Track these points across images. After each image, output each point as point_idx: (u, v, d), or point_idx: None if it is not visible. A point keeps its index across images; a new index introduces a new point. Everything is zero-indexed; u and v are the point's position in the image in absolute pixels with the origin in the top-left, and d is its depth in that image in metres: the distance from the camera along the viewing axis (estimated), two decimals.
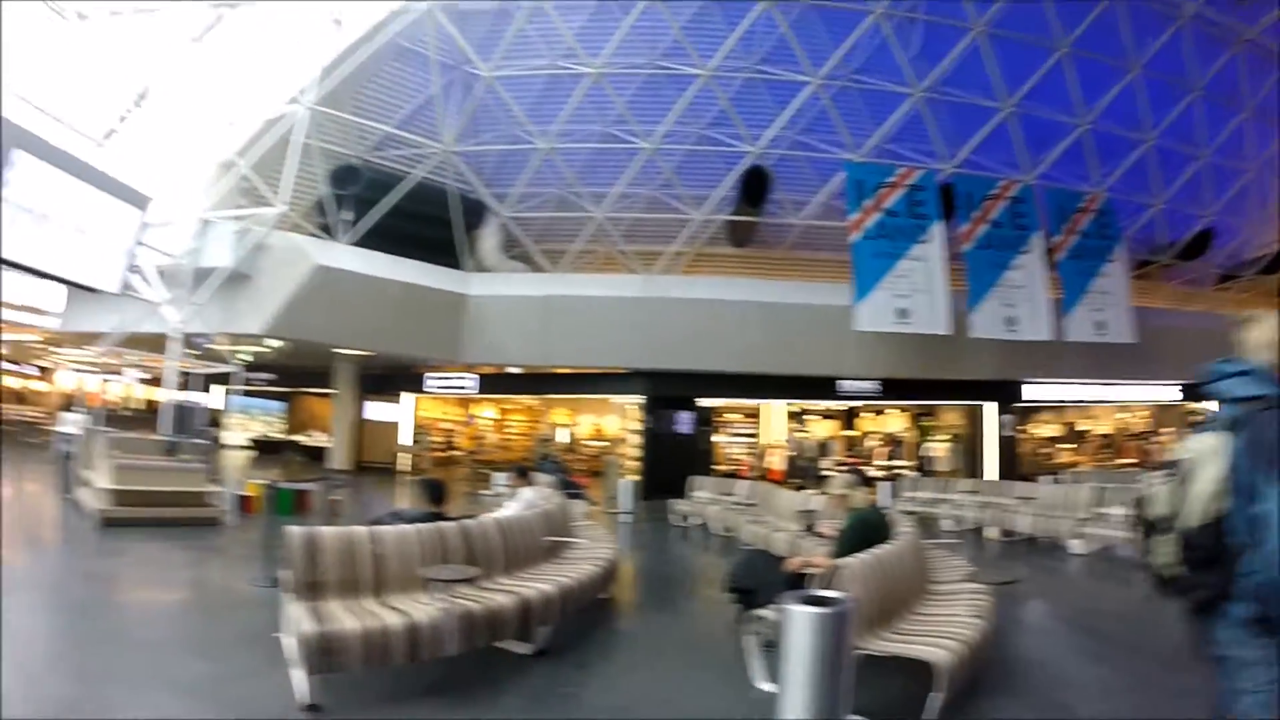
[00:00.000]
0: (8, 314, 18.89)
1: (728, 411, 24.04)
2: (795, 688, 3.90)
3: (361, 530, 5.77)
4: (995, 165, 19.77)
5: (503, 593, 5.77)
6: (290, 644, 5.00)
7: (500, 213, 21.31)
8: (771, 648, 5.07)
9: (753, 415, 24.41)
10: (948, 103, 19.12)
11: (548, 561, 7.13)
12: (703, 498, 15.69)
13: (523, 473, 9.54)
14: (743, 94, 19.24)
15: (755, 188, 19.98)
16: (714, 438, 23.22)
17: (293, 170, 16.94)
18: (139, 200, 14.44)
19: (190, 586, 8.68)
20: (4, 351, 30.13)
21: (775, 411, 24.32)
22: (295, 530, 5.42)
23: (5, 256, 12.10)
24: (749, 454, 23.86)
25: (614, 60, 18.82)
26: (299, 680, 4.73)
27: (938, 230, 18.69)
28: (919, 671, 4.74)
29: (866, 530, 6.21)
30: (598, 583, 7.09)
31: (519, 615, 5.63)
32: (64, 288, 16.80)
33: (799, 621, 3.90)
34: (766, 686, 5.16)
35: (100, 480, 11.81)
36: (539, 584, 6.13)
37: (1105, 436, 25.19)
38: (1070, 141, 19.83)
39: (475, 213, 21.10)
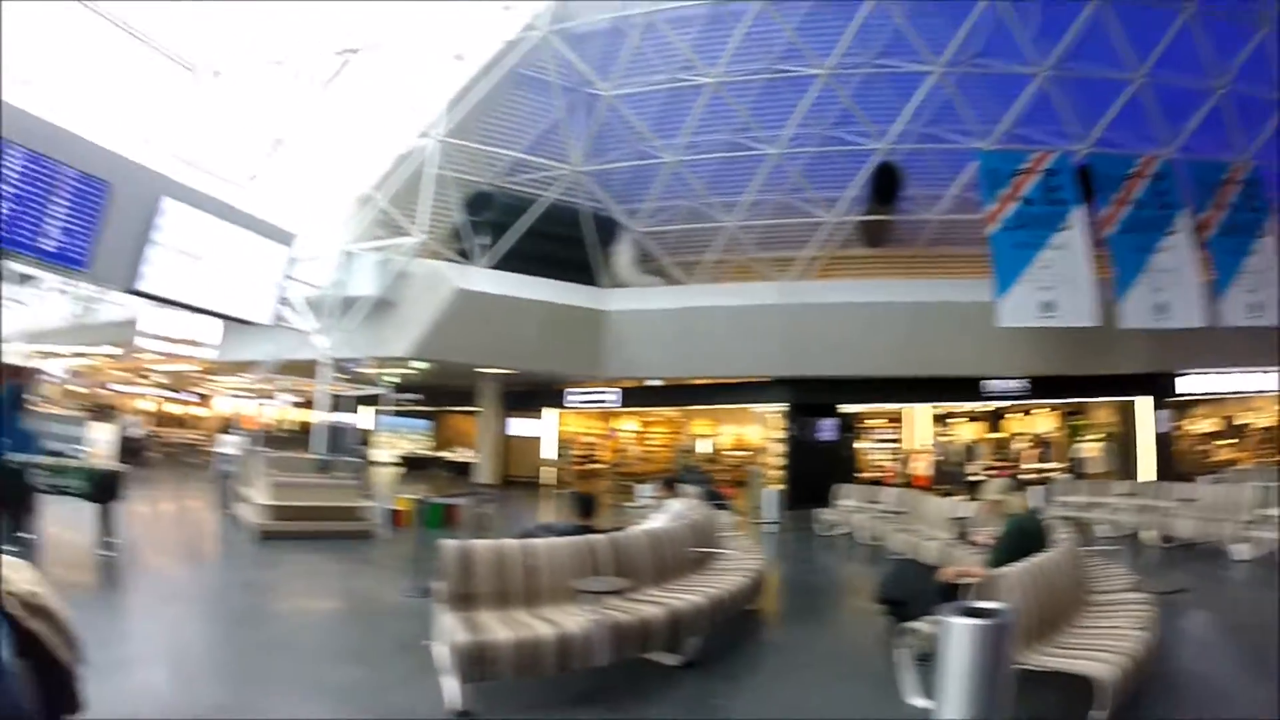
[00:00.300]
0: (169, 346, 20.37)
1: (870, 417, 23.38)
2: (953, 703, 3.73)
3: (513, 543, 5.85)
4: (1132, 141, 18.33)
5: (652, 604, 5.73)
6: (442, 652, 5.09)
7: (633, 228, 21.54)
8: (925, 661, 4.88)
9: (896, 420, 23.65)
10: (1076, 79, 17.88)
11: (696, 573, 7.07)
12: (848, 506, 15.26)
13: (670, 484, 9.45)
14: (864, 90, 18.74)
15: (886, 185, 19.42)
16: (857, 444, 22.67)
17: (428, 200, 17.71)
18: (285, 237, 15.32)
19: (344, 596, 9.03)
20: (166, 380, 32.69)
21: (919, 415, 23.49)
22: (449, 544, 5.54)
23: (166, 295, 13.14)
24: (893, 460, 23.12)
25: (731, 68, 18.68)
26: (451, 688, 4.81)
27: (1078, 216, 17.55)
28: (1079, 687, 4.42)
29: (1023, 538, 5.88)
30: (746, 594, 6.98)
31: (668, 626, 5.57)
32: (220, 321, 17.94)
33: (958, 634, 3.73)
34: (920, 702, 4.92)
35: (258, 497, 12.45)
36: (688, 595, 6.08)
37: (1267, 430, 23.05)
38: (1208, 108, 18.11)
39: (608, 230, 21.43)
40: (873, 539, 13.34)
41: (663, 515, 8.16)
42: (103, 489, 9.60)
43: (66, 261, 11.30)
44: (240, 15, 15.70)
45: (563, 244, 20.46)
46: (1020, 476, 19.31)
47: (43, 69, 14.45)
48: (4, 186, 10.23)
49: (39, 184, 10.66)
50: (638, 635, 5.37)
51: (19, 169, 10.40)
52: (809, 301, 19.17)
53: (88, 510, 9.61)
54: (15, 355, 25.57)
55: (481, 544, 5.70)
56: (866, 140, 18.93)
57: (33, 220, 10.67)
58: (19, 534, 8.52)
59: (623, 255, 21.68)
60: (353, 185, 18.75)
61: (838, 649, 6.94)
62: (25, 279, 22.52)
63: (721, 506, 10.56)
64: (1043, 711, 4.74)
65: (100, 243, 11.51)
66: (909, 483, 20.58)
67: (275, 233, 15.07)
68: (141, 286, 12.58)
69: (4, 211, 10.26)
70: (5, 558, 3.56)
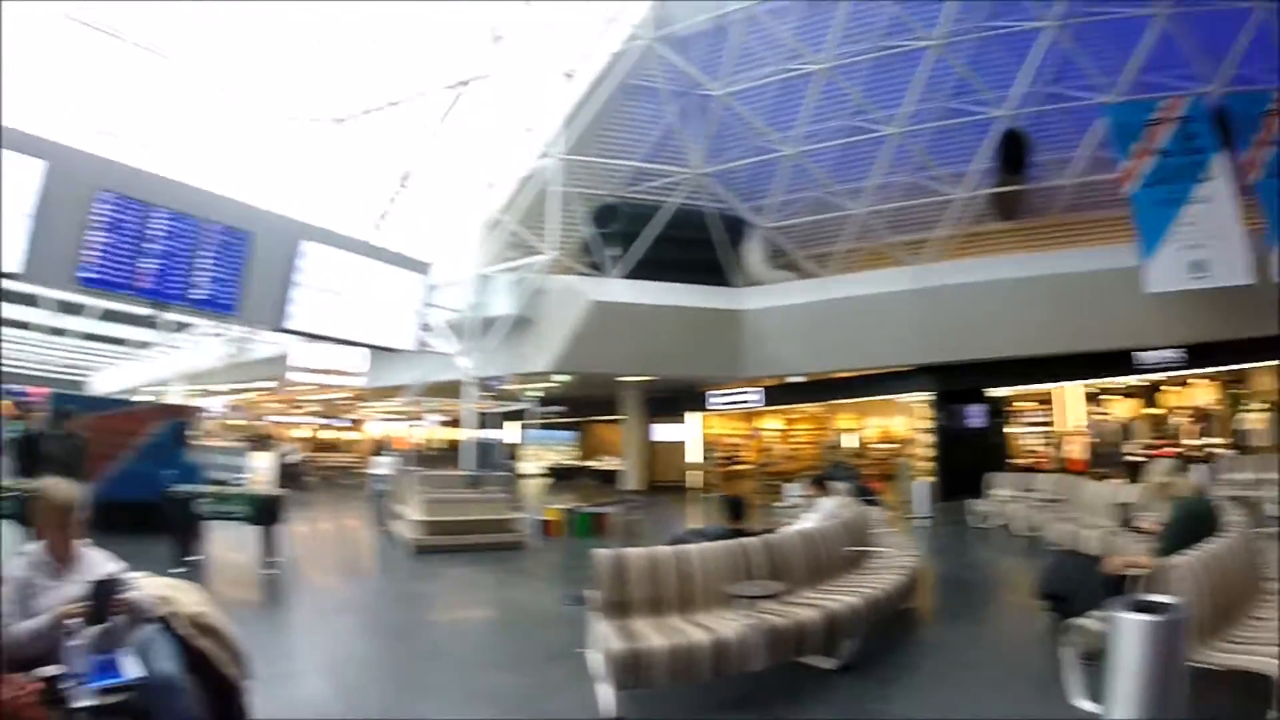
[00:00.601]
0: (319, 378, 21.69)
1: (1019, 400, 22.31)
2: (1122, 705, 3.55)
3: (666, 549, 5.89)
4: (1267, 75, 16.30)
5: (807, 606, 5.68)
6: (596, 660, 5.14)
7: (761, 225, 21.47)
8: (1091, 660, 4.66)
9: (1046, 401, 22.46)
10: (1198, 14, 16.28)
11: (850, 572, 6.96)
12: (1002, 495, 14.69)
13: (819, 482, 9.15)
14: (978, 56, 18.02)
15: (1013, 153, 18.62)
16: (1007, 429, 21.65)
17: (555, 218, 18.21)
18: (420, 267, 15.93)
19: (497, 606, 9.28)
20: (318, 409, 35.04)
21: (1070, 394, 22.27)
22: (603, 552, 5.63)
23: (313, 331, 13.99)
24: (1046, 444, 22.02)
25: (839, 52, 18.31)
26: (605, 695, 4.87)
27: (1220, 163, 15.98)
28: (1256, 686, 4.11)
29: (1194, 522, 5.51)
30: (901, 592, 6.84)
31: (824, 629, 5.50)
32: (365, 350, 18.86)
33: (1128, 630, 3.55)
34: (1086, 705, 4.67)
35: (412, 513, 12.94)
36: (843, 596, 6.00)
37: None
38: None
39: (736, 229, 21.47)
40: (1029, 529, 12.80)
41: (814, 514, 8.03)
42: (265, 512, 10.17)
43: (217, 308, 12.34)
44: (355, 63, 16.44)
45: (692, 247, 20.61)
46: (1186, 455, 18.04)
47: (182, 137, 16.16)
48: (150, 245, 11.21)
49: (185, 240, 11.62)
50: (793, 639, 5.32)
51: (165, 229, 11.38)
52: (946, 283, 18.35)
53: (250, 533, 10.23)
54: (176, 395, 27.91)
55: (635, 551, 5.76)
56: (987, 108, 18.19)
57: (182, 273, 11.63)
58: (186, 558, 9.19)
59: (753, 253, 21.65)
60: (481, 210, 19.46)
61: (998, 649, 6.71)
62: (180, 327, 24.54)
63: (871, 502, 10.27)
64: (1217, 713, 4.41)
65: (247, 288, 12.42)
66: (1064, 467, 19.58)
67: (411, 263, 15.72)
68: (289, 325, 13.43)
69: (154, 268, 11.24)
70: (174, 580, 3.87)
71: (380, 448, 23.26)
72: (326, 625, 7.94)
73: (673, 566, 5.68)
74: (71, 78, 15.43)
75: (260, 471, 19.65)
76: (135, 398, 30.05)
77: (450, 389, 19.10)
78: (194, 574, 7.89)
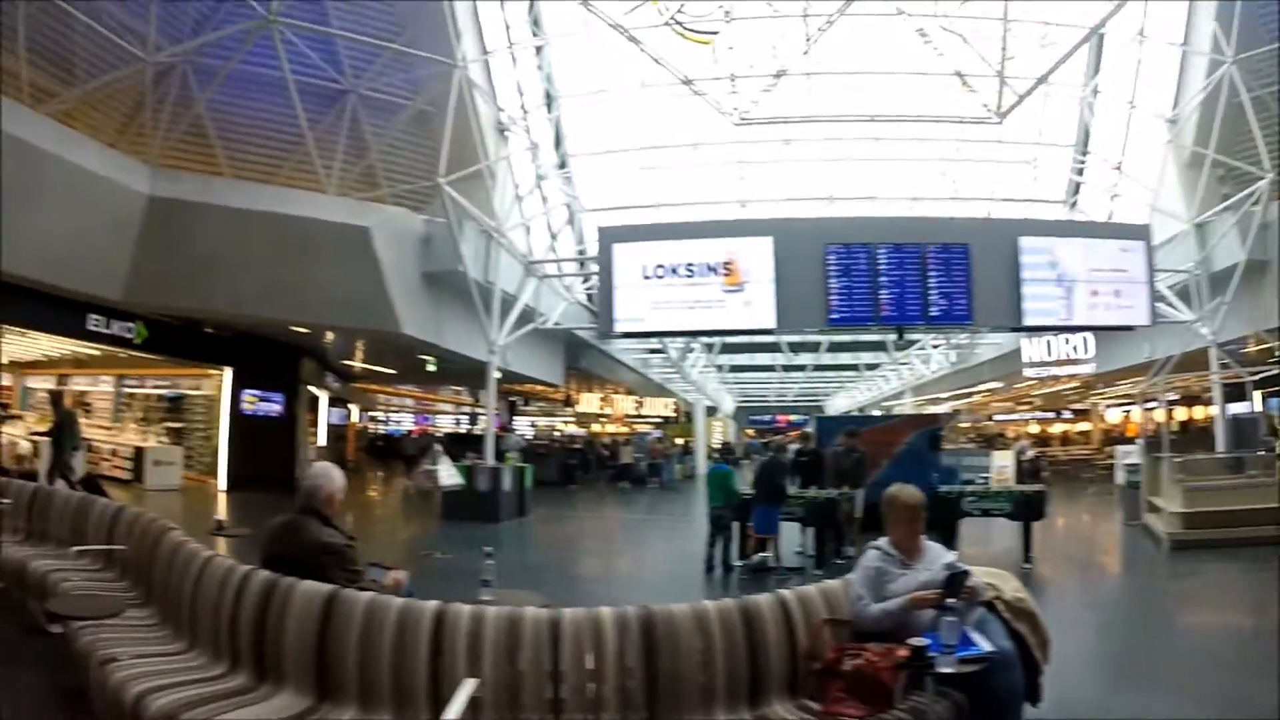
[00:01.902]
0: (1054, 369, 22.78)
1: None
2: None
3: None
4: None
5: None
6: None
7: None
8: None
9: None
10: None
11: None
12: None
13: None
14: None
15: None
16: None
17: (1256, 128, 15.00)
18: (1139, 233, 14.96)
19: (1263, 611, 7.98)
20: (1040, 403, 35.41)
21: None
22: None
23: (1046, 324, 14.78)
24: None
25: None
26: None
27: None
28: None
29: None
30: None
31: None
32: (1090, 336, 18.66)
33: None
34: None
35: (1168, 504, 11.93)
36: None
37: None
38: None
39: None
40: None
41: None
42: (1027, 508, 10.53)
43: (954, 319, 14.06)
44: (992, 60, 15.85)
45: None
46: None
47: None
48: (883, 278, 13.51)
49: (911, 267, 13.59)
50: None
51: (891, 260, 13.57)
52: None
53: (984, 525, 10.86)
54: (906, 407, 30.39)
55: None
56: None
57: (916, 295, 13.59)
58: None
59: None
60: (1173, 151, 17.47)
61: None
62: (903, 345, 26.85)
63: None
64: None
65: (977, 294, 13.64)
66: None
67: (1129, 232, 15.07)
68: (1026, 322, 14.31)
69: (891, 296, 13.52)
70: (994, 570, 4.22)
71: (1121, 435, 21.88)
72: (1075, 619, 7.77)
73: None
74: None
75: (1003, 469, 20.08)
76: (872, 413, 33.52)
77: (1191, 361, 16.98)
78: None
